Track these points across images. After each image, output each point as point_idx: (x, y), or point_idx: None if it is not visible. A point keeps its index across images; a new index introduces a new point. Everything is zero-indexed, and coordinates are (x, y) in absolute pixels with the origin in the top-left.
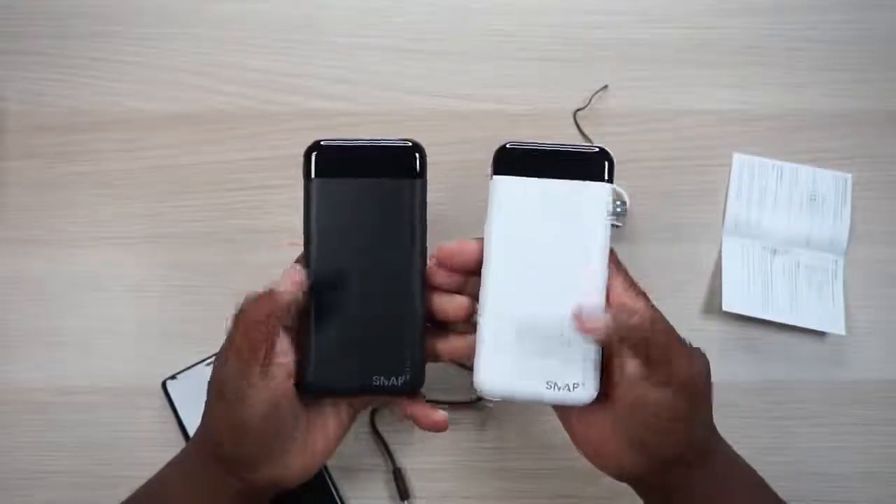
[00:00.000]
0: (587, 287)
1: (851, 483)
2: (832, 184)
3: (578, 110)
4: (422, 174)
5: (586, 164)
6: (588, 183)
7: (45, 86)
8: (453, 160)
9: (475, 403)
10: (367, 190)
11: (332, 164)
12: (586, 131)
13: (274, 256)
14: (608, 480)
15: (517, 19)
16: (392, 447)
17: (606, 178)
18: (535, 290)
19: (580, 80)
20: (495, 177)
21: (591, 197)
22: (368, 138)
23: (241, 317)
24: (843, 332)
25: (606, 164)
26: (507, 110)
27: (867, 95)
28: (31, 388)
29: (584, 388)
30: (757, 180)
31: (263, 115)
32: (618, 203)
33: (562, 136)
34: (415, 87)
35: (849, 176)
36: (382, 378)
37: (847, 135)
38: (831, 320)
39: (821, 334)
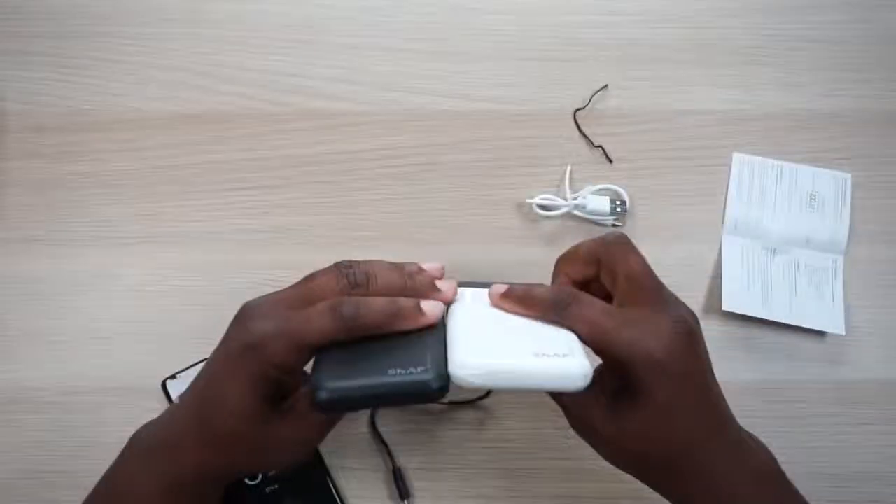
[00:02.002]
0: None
1: (851, 483)
2: (832, 184)
3: (578, 110)
4: None
5: None
6: None
7: (45, 86)
8: (453, 160)
9: (475, 403)
10: None
11: None
12: (586, 131)
13: (274, 256)
14: (608, 480)
15: (517, 19)
16: (392, 447)
17: None
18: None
19: (580, 80)
20: None
21: None
22: None
23: (341, 313)
24: (842, 332)
25: None
26: (507, 110)
27: (867, 95)
28: (31, 388)
29: (573, 358)
30: (757, 180)
31: (263, 115)
32: (617, 203)
33: (562, 135)
34: (415, 87)
35: (849, 176)
36: (400, 370)
37: (847, 135)
38: (831, 320)
39: (820, 334)
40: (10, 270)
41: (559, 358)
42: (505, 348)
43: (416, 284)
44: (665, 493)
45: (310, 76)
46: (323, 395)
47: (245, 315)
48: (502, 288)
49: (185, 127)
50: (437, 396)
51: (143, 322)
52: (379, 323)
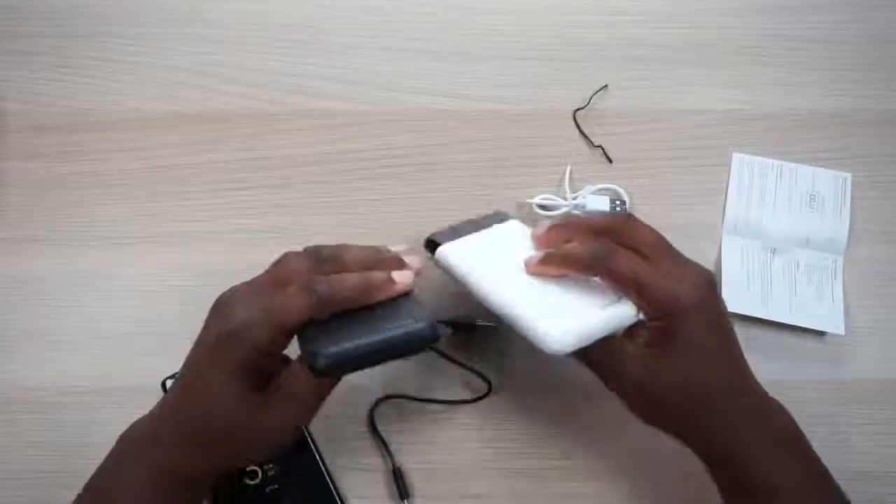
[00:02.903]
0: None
1: (851, 483)
2: (832, 184)
3: (578, 110)
4: None
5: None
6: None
7: (45, 86)
8: (453, 160)
9: (475, 403)
10: None
11: None
12: (586, 131)
13: (274, 256)
14: (608, 480)
15: (517, 19)
16: (392, 447)
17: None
18: (524, 281)
19: (580, 80)
20: (437, 252)
21: (512, 227)
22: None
23: (315, 290)
24: (842, 332)
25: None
26: (507, 110)
27: (867, 95)
28: (31, 388)
29: (624, 301)
30: (757, 180)
31: (263, 115)
32: (617, 203)
33: (562, 135)
34: (415, 87)
35: (849, 176)
36: (390, 325)
37: (847, 135)
38: (831, 320)
39: (820, 334)
40: (10, 270)
41: (616, 304)
42: (578, 311)
43: (384, 259)
44: (686, 438)
45: (310, 76)
46: (321, 360)
47: (222, 304)
48: (538, 255)
49: (185, 127)
50: (432, 341)
51: (143, 322)
52: (353, 297)
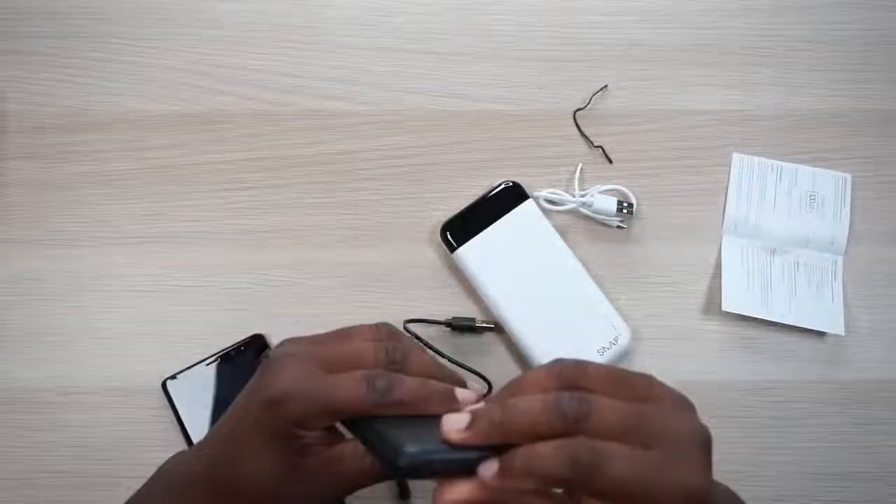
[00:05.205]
0: (577, 282)
1: (851, 483)
2: (832, 184)
3: (578, 110)
4: None
5: (505, 198)
6: (517, 208)
7: (45, 86)
8: (453, 160)
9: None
10: None
11: None
12: (586, 131)
13: (274, 256)
14: None
15: (517, 19)
16: None
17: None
18: (545, 305)
19: (580, 80)
20: (454, 254)
21: (528, 213)
22: None
23: (375, 387)
24: (842, 332)
25: (518, 188)
26: (507, 110)
27: (867, 95)
28: (31, 388)
29: (623, 337)
30: (756, 180)
31: (263, 115)
32: (624, 204)
33: (562, 135)
34: (415, 87)
35: (848, 176)
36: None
37: (847, 135)
38: (830, 320)
39: (820, 334)
40: (10, 270)
41: (614, 347)
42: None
43: (445, 375)
44: None
45: (310, 76)
46: (405, 459)
47: (273, 367)
48: (491, 468)
49: (185, 127)
50: None
51: (143, 322)
52: (411, 402)
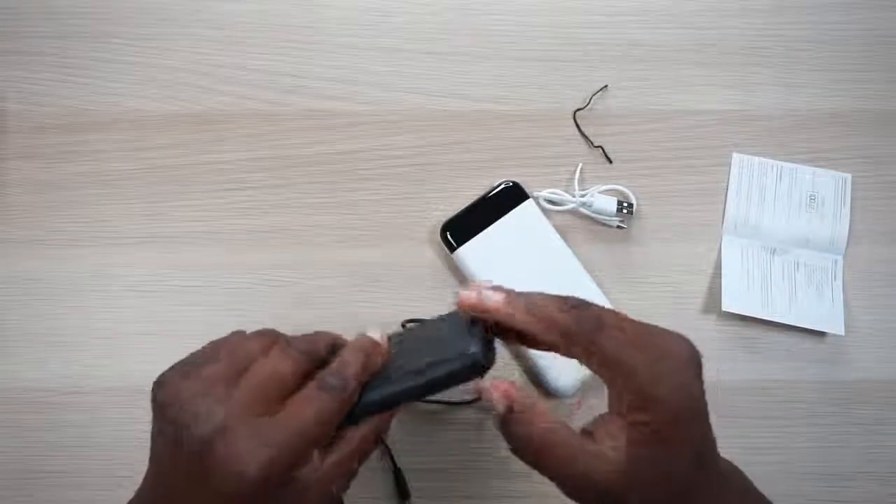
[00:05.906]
0: (577, 282)
1: (851, 483)
2: (832, 184)
3: (578, 110)
4: None
5: (505, 198)
6: (517, 208)
7: (45, 86)
8: (453, 160)
9: (475, 403)
10: None
11: None
12: (586, 131)
13: (274, 256)
14: None
15: (517, 19)
16: (392, 447)
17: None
18: None
19: (580, 80)
20: (454, 254)
21: (528, 213)
22: None
23: (332, 385)
24: (842, 332)
25: (518, 188)
26: (507, 110)
27: (867, 95)
28: (31, 388)
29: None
30: (756, 180)
31: (263, 115)
32: (624, 204)
33: (562, 135)
34: (415, 87)
35: (848, 176)
36: (437, 362)
37: (847, 135)
38: (830, 320)
39: (820, 334)
40: (10, 270)
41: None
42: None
43: (322, 338)
44: None
45: (309, 76)
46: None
47: (219, 451)
48: (497, 297)
49: (185, 127)
50: (482, 371)
51: (143, 322)
52: (363, 369)
